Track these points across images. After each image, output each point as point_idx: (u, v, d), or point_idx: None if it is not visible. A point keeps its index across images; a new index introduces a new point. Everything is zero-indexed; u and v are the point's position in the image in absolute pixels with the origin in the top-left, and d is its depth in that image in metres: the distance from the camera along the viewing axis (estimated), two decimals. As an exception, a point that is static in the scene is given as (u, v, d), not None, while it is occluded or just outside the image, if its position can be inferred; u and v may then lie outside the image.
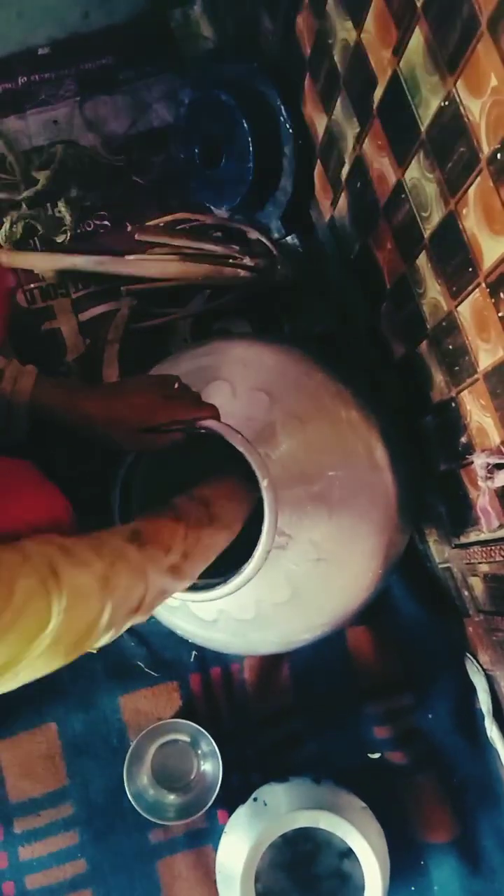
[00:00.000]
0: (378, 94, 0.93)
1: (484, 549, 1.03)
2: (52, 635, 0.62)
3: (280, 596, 0.98)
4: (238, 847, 1.09)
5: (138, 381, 0.97)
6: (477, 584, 1.12)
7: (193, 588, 0.89)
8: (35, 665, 0.63)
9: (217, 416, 0.91)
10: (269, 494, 0.87)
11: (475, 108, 0.74)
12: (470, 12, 0.71)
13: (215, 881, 1.15)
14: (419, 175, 0.89)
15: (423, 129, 0.85)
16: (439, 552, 1.22)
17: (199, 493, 0.87)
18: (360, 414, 1.04)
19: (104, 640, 0.70)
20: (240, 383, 1.01)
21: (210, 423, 0.90)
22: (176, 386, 0.93)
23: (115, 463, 0.97)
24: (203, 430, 0.90)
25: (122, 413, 0.88)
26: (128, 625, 0.73)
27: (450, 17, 0.75)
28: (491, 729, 1.18)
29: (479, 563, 1.07)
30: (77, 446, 0.94)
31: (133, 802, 1.16)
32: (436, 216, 0.89)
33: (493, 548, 1.01)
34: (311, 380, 1.04)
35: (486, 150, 0.75)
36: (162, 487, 0.98)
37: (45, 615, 0.61)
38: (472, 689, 1.20)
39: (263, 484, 0.87)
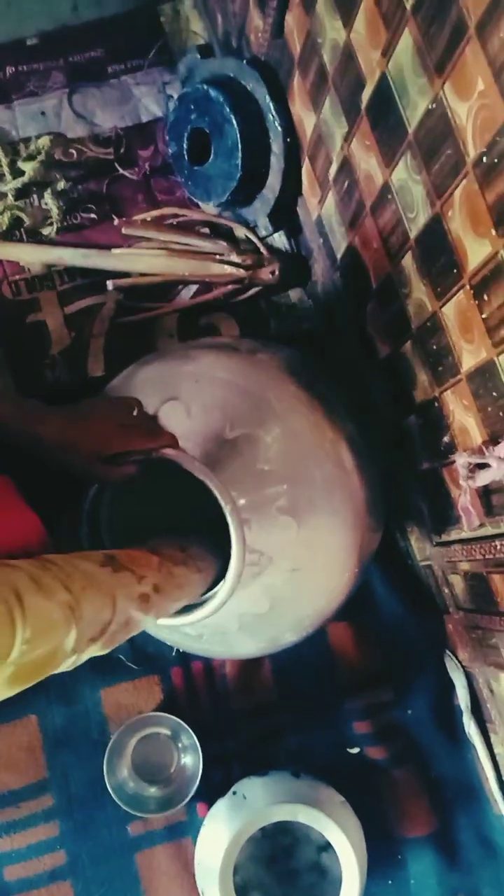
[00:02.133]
0: (366, 94, 0.94)
1: (465, 547, 1.04)
2: (14, 665, 0.61)
3: (260, 608, 0.99)
4: (217, 840, 1.10)
5: (96, 405, 0.93)
6: (457, 582, 1.13)
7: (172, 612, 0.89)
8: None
9: (175, 444, 0.89)
10: (234, 518, 0.85)
11: (462, 111, 0.75)
12: (459, 16, 0.71)
13: (194, 874, 1.16)
14: (406, 176, 0.90)
15: (410, 130, 0.86)
16: (420, 550, 1.23)
17: (173, 537, 0.86)
18: (324, 418, 1.02)
19: (64, 667, 0.69)
20: (193, 402, 0.99)
21: (167, 451, 0.88)
22: (135, 412, 0.91)
23: (79, 496, 0.95)
24: (160, 458, 0.88)
25: (77, 440, 0.85)
26: (88, 654, 0.71)
27: (439, 20, 0.75)
28: (469, 725, 1.19)
29: (460, 561, 1.08)
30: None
31: (113, 795, 1.17)
32: (422, 217, 0.89)
33: (473, 546, 1.02)
34: (269, 390, 1.02)
35: (472, 153, 0.75)
36: (131, 512, 0.98)
37: (8, 645, 0.60)
38: (450, 686, 1.22)
39: (227, 509, 0.85)
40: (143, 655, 1.24)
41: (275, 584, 0.97)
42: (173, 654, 1.24)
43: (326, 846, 1.10)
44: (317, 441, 1.01)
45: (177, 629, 1.03)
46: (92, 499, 0.93)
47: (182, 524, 1.02)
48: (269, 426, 0.99)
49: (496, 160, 0.72)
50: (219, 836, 1.10)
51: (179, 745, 1.22)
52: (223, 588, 0.86)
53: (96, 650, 0.72)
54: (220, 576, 0.90)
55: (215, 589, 0.87)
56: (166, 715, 1.20)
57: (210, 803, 1.17)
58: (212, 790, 1.18)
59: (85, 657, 0.71)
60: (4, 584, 0.63)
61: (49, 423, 0.86)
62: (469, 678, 1.20)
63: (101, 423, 0.88)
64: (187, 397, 1.00)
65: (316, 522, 0.99)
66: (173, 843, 1.20)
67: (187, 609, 0.89)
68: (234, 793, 1.15)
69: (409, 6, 0.79)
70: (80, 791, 1.20)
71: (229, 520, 0.86)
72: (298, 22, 1.07)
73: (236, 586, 0.86)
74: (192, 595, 0.85)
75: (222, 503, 0.85)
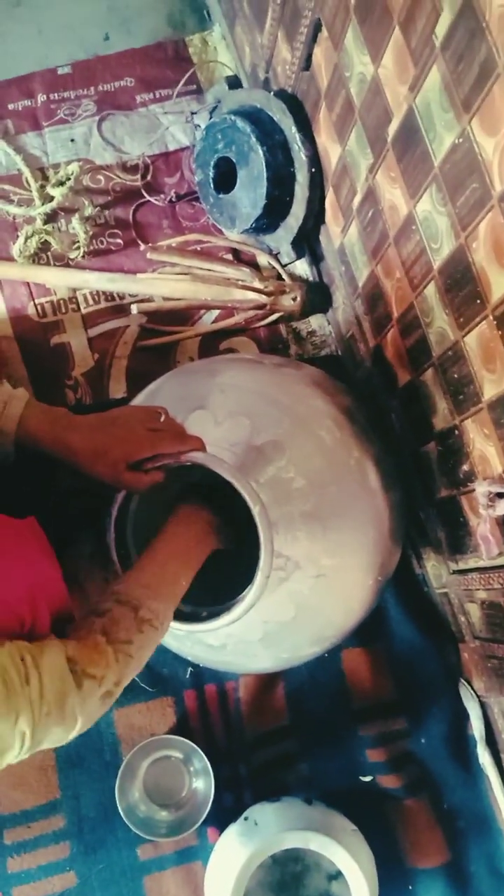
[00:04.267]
0: (393, 127, 0.96)
1: (482, 575, 1.04)
2: None
3: (285, 615, 0.99)
4: (227, 866, 1.09)
5: (124, 413, 0.95)
6: (474, 611, 1.13)
7: (198, 619, 0.90)
8: None
9: (202, 448, 0.90)
10: (263, 520, 0.87)
11: (489, 147, 0.77)
12: (488, 54, 0.73)
13: (203, 899, 1.15)
14: (431, 208, 0.92)
15: (436, 163, 0.88)
16: (437, 577, 1.23)
17: (127, 591, 0.84)
18: (352, 434, 1.04)
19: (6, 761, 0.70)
20: (220, 410, 1.01)
21: (195, 455, 0.89)
22: (162, 418, 0.93)
23: (105, 502, 0.96)
24: (189, 463, 0.90)
25: (106, 446, 0.87)
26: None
27: (467, 58, 0.77)
28: (483, 755, 1.18)
29: (477, 589, 1.08)
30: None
31: (124, 817, 1.16)
32: (446, 248, 0.91)
33: (491, 575, 1.02)
34: (297, 401, 1.04)
35: (498, 187, 0.77)
36: (157, 519, 0.99)
37: None
38: (465, 715, 1.21)
39: (255, 510, 0.87)
40: (158, 677, 1.24)
41: (300, 591, 0.98)
42: (187, 675, 1.24)
43: (337, 875, 1.10)
44: (344, 455, 1.02)
45: (200, 641, 1.04)
46: (119, 506, 0.94)
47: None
48: (296, 435, 1.00)
49: (522, 195, 0.73)
50: (229, 861, 1.09)
51: (191, 768, 1.22)
52: (251, 591, 0.87)
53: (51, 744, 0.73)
54: (237, 587, 0.91)
55: (243, 593, 0.88)
56: (179, 738, 1.20)
57: (221, 828, 1.16)
58: (223, 815, 1.17)
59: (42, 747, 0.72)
60: None
61: (78, 430, 0.88)
62: (484, 708, 1.19)
63: (130, 428, 0.90)
64: (214, 406, 1.01)
65: (341, 532, 1.00)
66: (183, 867, 1.19)
67: (214, 615, 0.89)
68: (246, 818, 1.14)
69: (438, 43, 0.81)
70: (91, 812, 1.20)
71: (258, 521, 0.87)
72: (326, 55, 1.10)
73: (263, 590, 0.87)
74: (150, 653, 0.84)
75: (251, 505, 0.87)
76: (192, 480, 1.02)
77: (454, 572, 1.15)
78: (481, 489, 0.95)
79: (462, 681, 1.23)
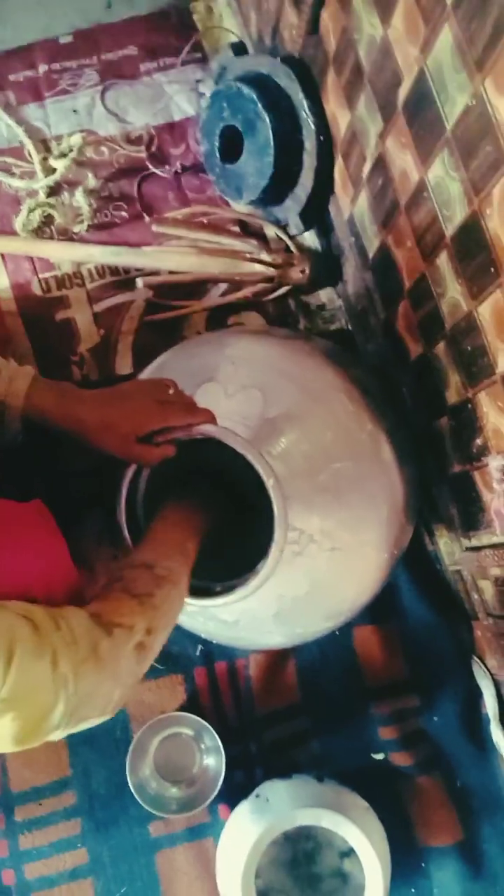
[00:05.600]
0: (403, 91, 0.92)
1: (496, 552, 1.03)
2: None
3: (300, 589, 0.98)
4: (239, 843, 1.09)
5: (132, 386, 0.94)
6: (487, 588, 1.11)
7: (212, 593, 0.89)
8: None
9: (213, 420, 0.89)
10: (277, 493, 0.86)
11: (503, 108, 0.74)
12: (501, 11, 0.70)
13: (214, 876, 1.15)
14: (443, 174, 0.89)
15: (448, 127, 0.85)
16: (449, 554, 1.21)
17: (139, 556, 0.84)
18: (365, 408, 1.03)
19: (59, 734, 0.67)
20: (231, 382, 0.99)
21: (206, 427, 0.88)
22: (171, 391, 0.91)
23: (115, 477, 0.95)
24: (200, 436, 0.89)
25: (116, 419, 0.86)
26: (92, 723, 0.71)
27: (480, 16, 0.74)
28: (496, 734, 1.17)
29: (491, 566, 1.06)
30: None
31: (135, 794, 1.16)
32: (458, 215, 0.88)
33: (505, 551, 1.00)
34: (308, 372, 1.02)
35: (513, 149, 0.74)
36: (167, 494, 0.98)
37: None
38: (478, 694, 1.20)
39: (269, 484, 0.86)
40: (168, 655, 1.23)
41: (314, 565, 0.97)
42: (197, 653, 1.23)
43: (349, 852, 1.09)
44: (356, 428, 1.01)
45: (213, 616, 1.03)
46: (129, 481, 0.93)
47: (218, 506, 1.02)
48: (308, 408, 0.99)
49: (538, 157, 0.70)
50: (241, 838, 1.09)
51: (202, 745, 1.22)
52: (265, 564, 0.86)
53: (105, 717, 0.72)
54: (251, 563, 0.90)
55: (258, 567, 0.87)
56: (189, 715, 1.20)
57: (232, 805, 1.16)
58: (234, 792, 1.17)
59: (91, 724, 0.71)
60: (2, 633, 0.62)
61: (87, 403, 0.87)
62: (497, 686, 1.18)
63: (139, 400, 0.89)
64: (224, 379, 1.00)
65: (355, 506, 0.98)
66: (194, 843, 1.20)
67: (228, 589, 0.88)
68: (258, 796, 1.14)
69: (449, 2, 0.78)
70: (101, 789, 1.20)
71: (271, 494, 0.86)
72: (334, 18, 1.06)
73: (278, 563, 0.86)
74: (177, 611, 0.83)
75: (264, 477, 0.86)
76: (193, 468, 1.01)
77: (467, 549, 1.13)
78: (495, 463, 0.93)
79: (475, 659, 1.21)
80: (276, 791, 1.14)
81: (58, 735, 0.67)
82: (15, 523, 0.79)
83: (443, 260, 0.95)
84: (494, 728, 1.17)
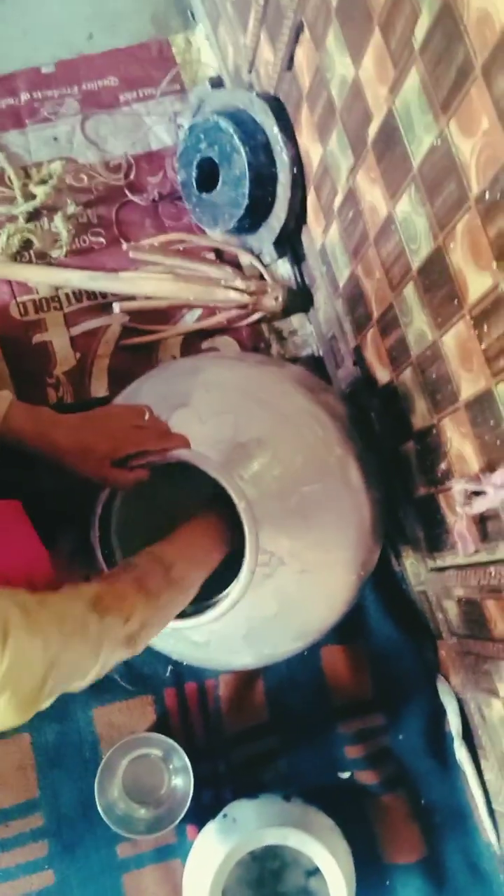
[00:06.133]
0: (373, 128, 0.96)
1: (459, 572, 1.05)
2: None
3: (269, 610, 1.00)
4: (206, 863, 1.09)
5: (108, 411, 0.96)
6: (451, 608, 1.14)
7: (183, 615, 0.90)
8: None
9: (187, 445, 0.91)
10: (248, 516, 0.88)
11: (466, 148, 0.78)
12: (465, 56, 0.74)
13: (182, 897, 1.16)
14: (410, 209, 0.93)
15: (415, 164, 0.89)
16: (415, 575, 1.24)
17: (161, 551, 0.86)
18: (334, 432, 1.05)
19: (45, 705, 0.69)
20: (204, 408, 1.02)
21: (180, 452, 0.90)
22: (146, 417, 0.93)
23: (90, 500, 0.96)
24: (174, 460, 0.90)
25: (92, 443, 0.87)
26: (68, 691, 0.72)
27: (445, 60, 0.78)
28: (460, 751, 1.19)
29: (454, 586, 1.09)
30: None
31: (103, 815, 1.16)
32: (424, 249, 0.92)
33: (468, 572, 1.03)
34: (280, 398, 1.05)
35: (475, 188, 0.78)
36: (140, 519, 1.00)
37: None
38: (442, 711, 1.22)
39: (241, 506, 0.88)
40: (138, 676, 1.24)
41: (284, 586, 0.99)
42: (167, 674, 1.24)
43: (315, 871, 1.10)
44: (326, 453, 1.03)
45: (184, 637, 1.04)
46: (104, 503, 0.94)
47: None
48: (280, 433, 1.01)
49: (498, 196, 0.74)
50: (208, 858, 1.10)
51: (171, 766, 1.22)
52: (236, 587, 0.88)
53: (77, 688, 0.72)
54: (221, 584, 0.91)
55: (227, 589, 0.88)
56: (159, 736, 1.20)
57: (200, 826, 1.17)
58: (202, 812, 1.18)
59: (63, 692, 0.71)
60: None
61: (63, 428, 0.88)
62: (461, 704, 1.20)
63: (114, 425, 0.90)
64: (198, 404, 1.02)
65: (324, 528, 1.01)
66: (162, 864, 1.20)
67: (198, 610, 0.90)
68: (225, 816, 1.15)
69: (417, 45, 0.82)
70: (69, 811, 1.19)
71: (243, 517, 0.87)
72: (308, 56, 1.10)
73: (249, 585, 0.88)
74: (174, 615, 0.85)
75: (236, 501, 0.87)
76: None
77: (432, 570, 1.16)
78: (458, 487, 0.96)
79: (440, 677, 1.24)
80: (243, 811, 1.14)
81: (44, 706, 0.68)
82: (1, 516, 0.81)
83: (409, 291, 0.98)
84: (458, 746, 1.19)
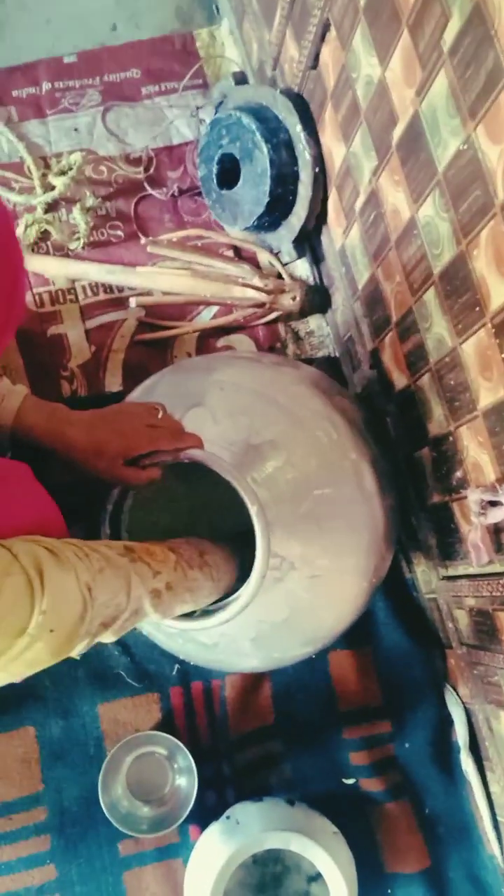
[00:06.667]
0: (398, 131, 0.95)
1: (472, 582, 1.04)
2: (33, 634, 0.62)
3: (279, 615, 0.99)
4: (208, 864, 1.09)
5: (122, 409, 0.95)
6: (462, 617, 1.13)
7: (192, 616, 0.90)
8: (19, 662, 0.63)
9: (200, 445, 0.90)
10: (260, 519, 0.87)
11: (493, 155, 0.76)
12: (496, 62, 0.73)
13: (182, 897, 1.16)
14: (433, 213, 0.91)
15: (440, 169, 0.87)
16: (426, 582, 1.23)
17: (195, 540, 0.87)
18: (349, 437, 1.04)
19: (80, 647, 0.70)
20: (219, 408, 1.01)
21: (193, 452, 0.89)
22: (160, 415, 0.93)
23: (102, 496, 0.96)
24: (187, 460, 0.90)
25: (104, 441, 0.87)
26: (98, 639, 0.72)
27: (475, 64, 0.76)
28: (466, 762, 1.18)
29: (466, 596, 1.08)
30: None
31: (106, 812, 1.16)
32: (447, 254, 0.90)
33: (480, 582, 1.02)
34: (295, 401, 1.04)
35: (501, 195, 0.76)
36: (151, 520, 0.99)
37: (27, 615, 0.62)
38: (449, 721, 1.21)
39: (253, 510, 0.87)
40: (144, 673, 1.24)
41: (295, 591, 0.98)
42: (174, 672, 1.24)
43: (317, 876, 1.10)
44: (340, 457, 1.02)
45: (192, 639, 1.03)
46: (115, 501, 0.94)
47: (202, 531, 1.03)
48: (294, 436, 1.00)
49: (525, 204, 0.73)
50: (210, 860, 1.09)
51: (175, 765, 1.22)
52: (246, 590, 0.87)
53: (107, 636, 0.72)
54: (237, 586, 0.91)
55: (238, 591, 0.88)
56: (164, 734, 1.20)
57: (203, 826, 1.16)
58: (205, 813, 1.17)
59: (95, 641, 0.72)
60: (26, 553, 0.64)
61: (76, 425, 0.88)
62: (469, 715, 1.19)
63: (128, 424, 0.90)
64: (213, 404, 1.01)
65: (336, 533, 1.00)
66: (163, 864, 1.19)
67: (208, 612, 0.89)
68: (228, 817, 1.14)
69: (446, 49, 0.81)
70: (73, 806, 1.19)
71: (255, 521, 0.87)
72: (334, 55, 1.09)
73: (259, 589, 0.87)
74: (198, 601, 0.85)
75: (248, 504, 0.87)
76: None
77: (444, 578, 1.15)
78: (474, 497, 0.95)
79: (448, 687, 1.23)
80: (246, 813, 1.14)
81: (80, 649, 0.70)
82: (9, 476, 0.81)
83: (430, 296, 0.97)
84: (464, 757, 1.18)
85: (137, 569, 0.74)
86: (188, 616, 0.91)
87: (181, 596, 0.80)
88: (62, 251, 1.40)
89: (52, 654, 0.66)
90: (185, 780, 1.20)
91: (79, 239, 1.39)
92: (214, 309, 1.39)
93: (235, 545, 1.00)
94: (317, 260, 1.38)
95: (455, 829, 1.20)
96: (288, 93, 1.24)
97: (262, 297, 1.33)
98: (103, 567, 0.69)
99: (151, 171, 1.45)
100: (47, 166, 1.44)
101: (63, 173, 1.40)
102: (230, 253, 1.42)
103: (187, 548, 0.84)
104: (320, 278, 1.39)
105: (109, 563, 0.71)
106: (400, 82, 0.92)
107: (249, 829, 1.11)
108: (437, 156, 0.87)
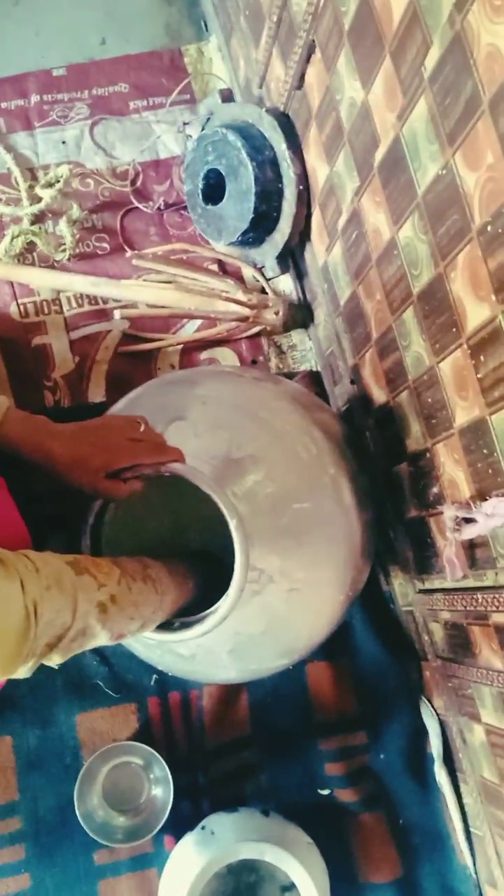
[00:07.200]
0: (380, 153, 0.97)
1: (447, 596, 1.06)
2: None
3: (257, 627, 1.00)
4: (182, 874, 1.10)
5: (104, 422, 0.95)
6: (437, 630, 1.15)
7: (171, 628, 0.91)
8: None
9: (181, 459, 0.91)
10: (239, 532, 0.88)
11: (470, 181, 0.78)
12: (474, 91, 0.75)
13: (157, 907, 1.16)
14: (413, 235, 0.93)
15: (419, 192, 0.89)
16: (403, 595, 1.25)
17: (140, 557, 0.88)
18: (329, 452, 1.06)
19: (24, 670, 0.69)
20: (200, 422, 1.02)
21: (174, 465, 0.90)
22: (142, 428, 0.93)
23: (83, 505, 0.97)
24: (168, 474, 0.91)
25: (86, 454, 0.87)
26: (45, 661, 0.71)
27: (454, 92, 0.78)
28: (440, 773, 1.20)
29: (441, 610, 1.09)
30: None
31: (82, 822, 1.16)
32: (425, 275, 0.92)
33: (455, 597, 1.03)
34: (275, 415, 1.05)
35: (477, 220, 0.78)
36: (132, 533, 1.00)
37: None
38: (424, 733, 1.23)
39: (232, 523, 0.88)
40: (122, 683, 1.24)
41: (273, 604, 0.98)
42: (151, 683, 1.24)
43: (291, 886, 1.10)
44: (319, 472, 1.03)
45: (170, 650, 1.04)
46: (96, 514, 0.95)
47: (182, 544, 1.04)
48: (274, 450, 1.01)
49: (500, 230, 0.75)
50: (185, 870, 1.10)
51: (151, 775, 1.22)
52: (225, 602, 0.88)
53: (54, 657, 0.72)
54: (201, 598, 0.92)
55: (217, 604, 0.89)
56: (140, 745, 1.21)
57: (178, 836, 1.17)
58: (180, 823, 1.18)
59: (39, 662, 0.71)
60: None
61: (59, 438, 0.88)
62: (443, 726, 1.21)
63: (110, 437, 0.90)
64: (194, 418, 1.02)
65: (314, 547, 1.01)
66: (138, 873, 1.20)
67: (186, 624, 0.90)
68: (203, 828, 1.15)
69: (426, 75, 0.83)
70: (48, 815, 1.20)
71: (234, 534, 0.88)
72: (319, 77, 1.11)
73: (237, 601, 0.88)
74: (145, 617, 0.85)
75: (228, 517, 0.88)
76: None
77: (420, 591, 1.16)
78: (449, 513, 0.96)
79: (423, 698, 1.24)
80: (221, 824, 1.15)
81: (24, 672, 0.69)
82: None
83: (409, 315, 0.99)
84: (438, 768, 1.20)
85: (83, 582, 0.74)
86: (167, 627, 0.92)
87: (127, 611, 0.80)
88: (48, 263, 1.41)
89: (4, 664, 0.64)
90: (160, 790, 1.21)
91: (65, 251, 1.40)
92: (198, 322, 1.40)
93: (197, 561, 1.01)
94: (300, 276, 1.40)
95: (428, 839, 1.21)
96: (274, 112, 1.26)
97: (246, 311, 1.35)
98: (50, 585, 0.69)
99: (138, 184, 1.47)
100: (34, 178, 1.46)
101: (50, 185, 1.41)
102: (215, 267, 1.44)
103: (130, 562, 0.85)
104: (303, 294, 1.41)
105: (57, 581, 0.70)
106: (382, 106, 0.94)
107: (224, 839, 1.11)
108: (417, 179, 0.89)
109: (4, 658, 0.64)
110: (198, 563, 1.01)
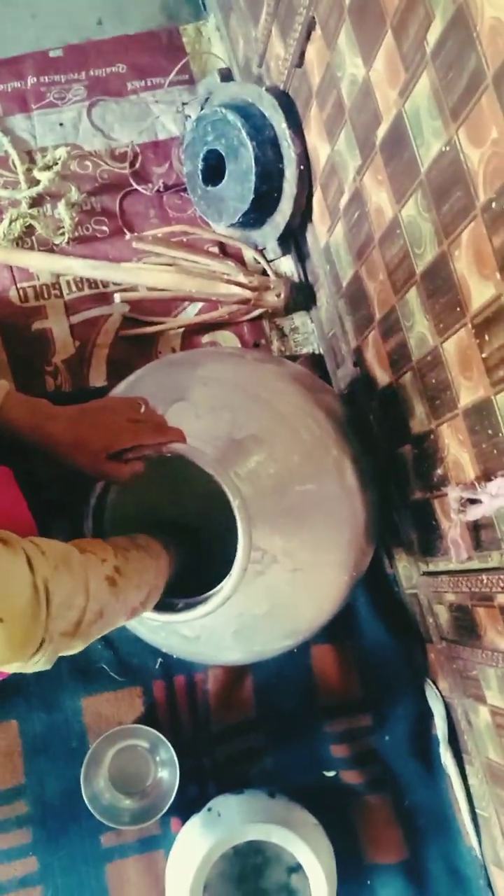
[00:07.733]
0: (382, 130, 0.96)
1: (451, 578, 1.06)
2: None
3: (260, 608, 1.00)
4: (189, 856, 1.10)
5: (105, 404, 0.95)
6: (442, 613, 1.14)
7: (174, 609, 0.91)
8: None
9: (183, 439, 0.91)
10: (242, 513, 0.88)
11: (475, 157, 0.77)
12: (477, 64, 0.73)
13: (163, 888, 1.16)
14: (416, 213, 0.92)
15: (422, 170, 0.88)
16: (407, 578, 1.24)
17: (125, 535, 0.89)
18: (331, 433, 1.05)
19: (42, 660, 0.68)
20: (202, 403, 1.01)
21: (176, 446, 0.90)
22: (142, 409, 0.93)
23: (84, 491, 0.97)
24: (170, 455, 0.91)
25: (87, 436, 0.87)
26: (67, 650, 0.71)
27: (457, 67, 0.77)
28: (445, 755, 1.20)
29: (446, 592, 1.09)
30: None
31: (88, 805, 1.17)
32: (429, 254, 0.91)
33: (460, 578, 1.03)
34: (277, 396, 1.04)
35: (482, 197, 0.77)
36: (133, 512, 1.00)
37: None
38: (429, 715, 1.23)
39: (235, 504, 0.88)
40: (127, 667, 1.24)
41: (276, 584, 0.98)
42: (156, 666, 1.25)
43: (297, 868, 1.11)
44: (322, 453, 1.03)
45: (174, 631, 1.04)
46: (98, 496, 0.94)
47: (184, 525, 1.04)
48: (276, 431, 1.01)
49: (505, 207, 0.74)
50: (191, 852, 1.10)
51: (157, 758, 1.23)
52: (228, 582, 0.88)
53: (76, 644, 0.71)
54: (218, 580, 0.92)
55: (220, 584, 0.89)
56: (146, 728, 1.21)
57: (184, 819, 1.17)
58: (187, 805, 1.18)
59: (60, 650, 0.70)
60: None
61: (60, 421, 0.88)
62: (448, 708, 1.21)
63: (111, 418, 0.90)
64: (196, 399, 1.01)
65: (317, 528, 1.01)
66: (145, 855, 1.20)
67: (190, 605, 0.90)
68: (209, 809, 1.15)
69: (429, 50, 0.81)
70: (55, 799, 1.20)
71: (237, 514, 0.88)
72: (319, 54, 1.09)
73: (241, 581, 0.88)
74: (150, 584, 0.85)
75: (230, 497, 0.88)
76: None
77: (424, 574, 1.16)
78: (454, 494, 0.96)
79: (428, 681, 1.24)
80: (227, 806, 1.15)
81: (43, 664, 0.68)
82: None
83: (412, 295, 0.98)
84: (443, 750, 1.20)
85: (89, 558, 0.75)
86: (171, 608, 0.92)
87: (133, 579, 0.80)
88: (47, 246, 1.40)
89: (9, 648, 0.64)
90: (167, 772, 1.21)
91: (64, 234, 1.39)
92: (199, 305, 1.40)
93: (166, 528, 1.02)
94: (301, 257, 1.39)
95: (434, 821, 1.22)
96: (274, 90, 1.25)
97: (247, 293, 1.34)
98: (58, 565, 0.69)
99: (137, 166, 1.46)
100: (32, 161, 1.44)
101: (48, 168, 1.40)
102: (215, 249, 1.43)
103: (116, 539, 0.86)
104: (305, 275, 1.40)
105: (65, 561, 0.70)
106: (384, 83, 0.93)
107: (230, 821, 1.12)
108: (419, 156, 0.88)
109: (13, 639, 0.64)
110: (167, 531, 1.01)
